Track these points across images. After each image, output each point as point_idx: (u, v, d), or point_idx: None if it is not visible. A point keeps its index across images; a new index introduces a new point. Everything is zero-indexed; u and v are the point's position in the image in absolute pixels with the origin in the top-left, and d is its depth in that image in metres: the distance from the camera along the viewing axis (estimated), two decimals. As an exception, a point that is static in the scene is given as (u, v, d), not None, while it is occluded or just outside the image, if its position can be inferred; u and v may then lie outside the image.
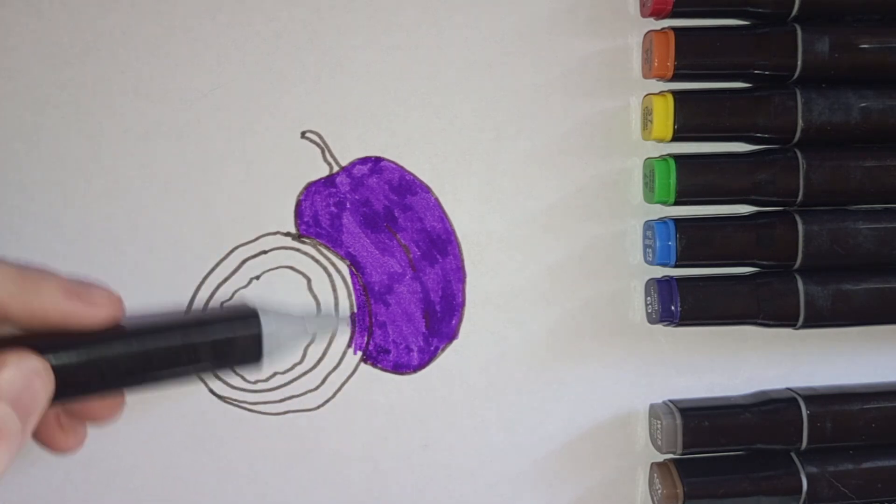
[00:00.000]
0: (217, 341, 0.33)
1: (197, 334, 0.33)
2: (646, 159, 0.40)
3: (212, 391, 0.39)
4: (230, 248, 0.39)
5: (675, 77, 0.39)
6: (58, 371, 0.29)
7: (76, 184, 0.38)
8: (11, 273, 0.30)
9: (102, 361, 0.30)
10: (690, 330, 0.41)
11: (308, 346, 0.39)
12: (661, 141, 0.39)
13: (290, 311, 0.36)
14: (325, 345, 0.40)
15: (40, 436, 0.33)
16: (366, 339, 0.40)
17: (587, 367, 0.41)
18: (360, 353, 0.40)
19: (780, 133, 0.38)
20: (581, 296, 0.40)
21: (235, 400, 0.39)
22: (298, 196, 0.39)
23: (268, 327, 0.34)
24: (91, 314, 0.30)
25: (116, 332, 0.31)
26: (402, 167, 0.40)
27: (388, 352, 0.40)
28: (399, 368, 0.40)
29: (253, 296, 0.39)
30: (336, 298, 0.40)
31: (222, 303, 0.39)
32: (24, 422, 0.28)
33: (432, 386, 0.40)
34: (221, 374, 0.38)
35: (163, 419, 0.39)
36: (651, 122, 0.38)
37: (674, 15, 0.38)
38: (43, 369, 0.28)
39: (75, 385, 0.30)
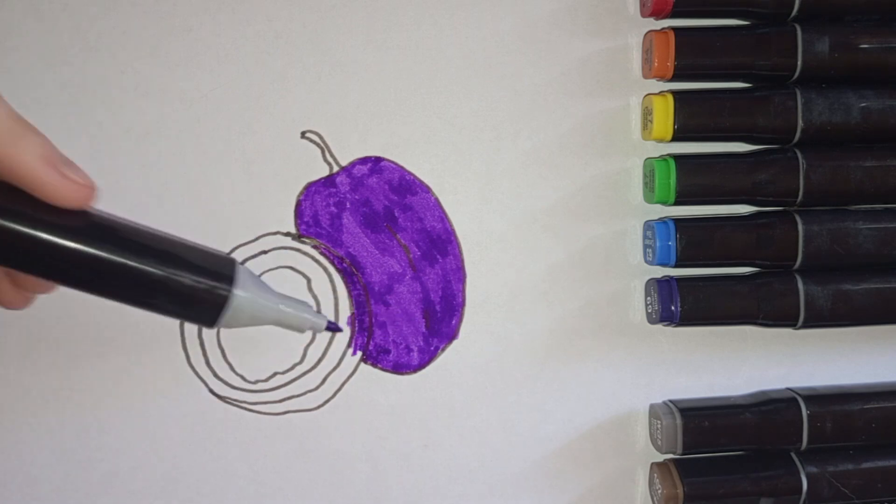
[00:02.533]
0: (178, 291, 0.30)
1: (160, 270, 0.30)
2: (646, 159, 0.40)
3: (212, 391, 0.39)
4: (230, 248, 0.39)
5: (675, 77, 0.39)
6: None
7: (76, 184, 0.38)
8: (5, 111, 0.28)
9: (48, 246, 0.28)
10: (690, 330, 0.41)
11: (308, 346, 0.40)
12: (661, 141, 0.39)
13: (268, 292, 0.33)
14: (325, 345, 0.40)
15: None
16: (366, 339, 0.40)
17: (587, 367, 0.41)
18: (360, 353, 0.40)
19: (780, 133, 0.38)
20: (581, 296, 0.40)
21: (235, 400, 0.39)
22: (298, 196, 0.39)
23: (238, 300, 0.31)
24: (60, 189, 0.28)
25: (75, 224, 0.29)
26: (402, 167, 0.40)
27: (388, 352, 0.40)
28: (399, 368, 0.40)
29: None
30: (336, 298, 0.40)
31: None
32: None
33: (432, 386, 0.40)
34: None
35: (163, 419, 0.39)
36: (651, 122, 0.38)
37: (674, 15, 0.38)
38: None
39: (7, 255, 0.28)
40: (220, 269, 0.32)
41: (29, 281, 0.33)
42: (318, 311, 0.38)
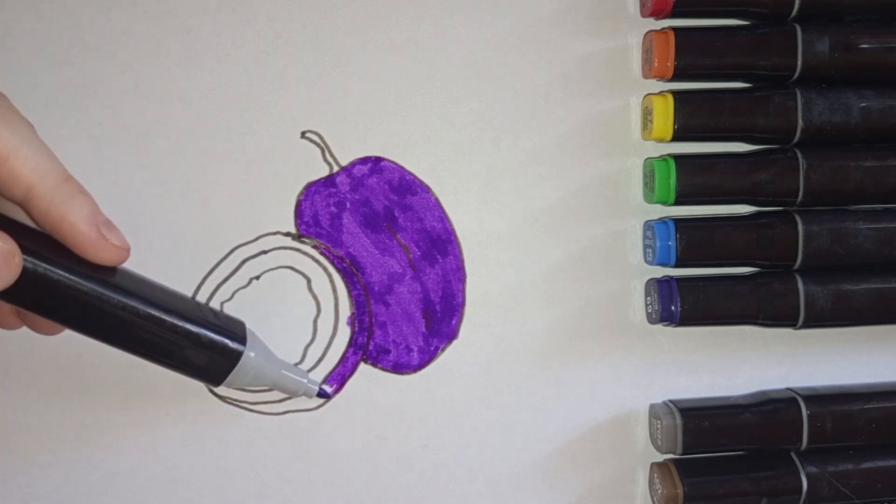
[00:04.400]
0: (197, 345, 0.33)
1: (183, 325, 0.32)
2: (646, 159, 0.40)
3: (212, 391, 0.39)
4: (230, 248, 0.39)
5: (675, 77, 0.39)
6: (26, 274, 0.29)
7: (76, 184, 0.38)
8: (59, 172, 0.30)
9: (82, 296, 0.30)
10: (690, 330, 0.41)
11: (308, 346, 0.40)
12: (661, 141, 0.39)
13: (271, 356, 0.36)
14: (324, 345, 0.40)
15: None
16: (366, 339, 0.40)
17: (587, 367, 0.41)
18: (360, 353, 0.40)
19: (780, 133, 0.38)
20: (581, 296, 0.40)
21: (235, 400, 0.39)
22: (298, 196, 0.39)
23: (248, 360, 0.34)
24: (100, 249, 0.30)
25: (108, 279, 0.31)
26: (402, 167, 0.40)
27: (388, 352, 0.40)
28: (399, 368, 0.40)
29: (253, 296, 0.39)
30: (336, 298, 0.40)
31: (221, 304, 0.39)
32: None
33: (432, 386, 0.40)
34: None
35: (163, 419, 0.39)
36: (651, 122, 0.38)
37: (674, 15, 0.38)
38: (6, 261, 0.28)
39: (34, 298, 0.30)
40: (234, 329, 0.34)
41: (42, 324, 0.33)
42: (309, 373, 0.39)
